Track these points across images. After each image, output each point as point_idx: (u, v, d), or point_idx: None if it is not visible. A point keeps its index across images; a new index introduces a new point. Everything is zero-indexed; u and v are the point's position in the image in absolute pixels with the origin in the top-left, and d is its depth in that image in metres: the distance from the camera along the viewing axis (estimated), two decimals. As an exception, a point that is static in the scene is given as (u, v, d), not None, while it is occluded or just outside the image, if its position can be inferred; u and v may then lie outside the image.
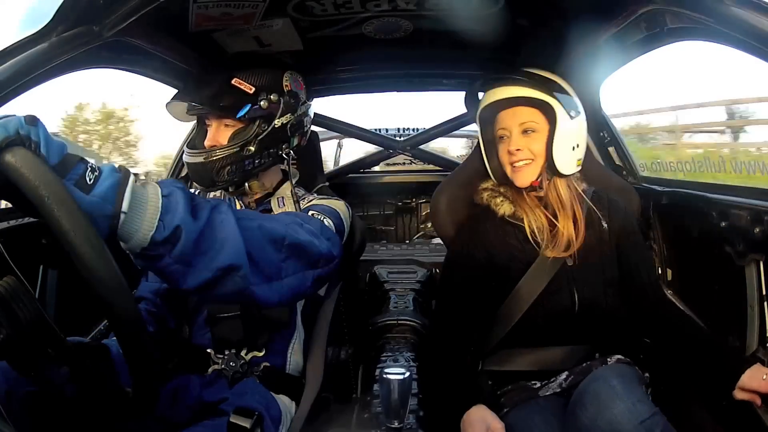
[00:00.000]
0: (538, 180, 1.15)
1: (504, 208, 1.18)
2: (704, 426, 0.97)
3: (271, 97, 1.12)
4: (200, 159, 1.09)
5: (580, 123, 1.15)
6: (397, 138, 2.13)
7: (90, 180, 0.58)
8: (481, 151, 1.23)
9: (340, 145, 3.13)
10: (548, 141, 1.12)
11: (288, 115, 1.15)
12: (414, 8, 1.23)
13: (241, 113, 1.09)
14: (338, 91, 1.94)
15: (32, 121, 0.56)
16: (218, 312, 1.09)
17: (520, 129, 1.13)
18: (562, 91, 1.14)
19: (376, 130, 2.21)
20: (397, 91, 2.01)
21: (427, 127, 2.13)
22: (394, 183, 2.32)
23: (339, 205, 1.15)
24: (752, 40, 0.85)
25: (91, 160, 0.61)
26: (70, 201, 0.54)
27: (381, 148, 2.15)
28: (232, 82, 1.10)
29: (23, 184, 0.52)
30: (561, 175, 1.15)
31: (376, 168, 2.36)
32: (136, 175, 0.64)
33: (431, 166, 2.35)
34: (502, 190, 1.21)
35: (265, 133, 1.11)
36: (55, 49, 0.91)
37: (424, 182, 2.30)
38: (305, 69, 1.24)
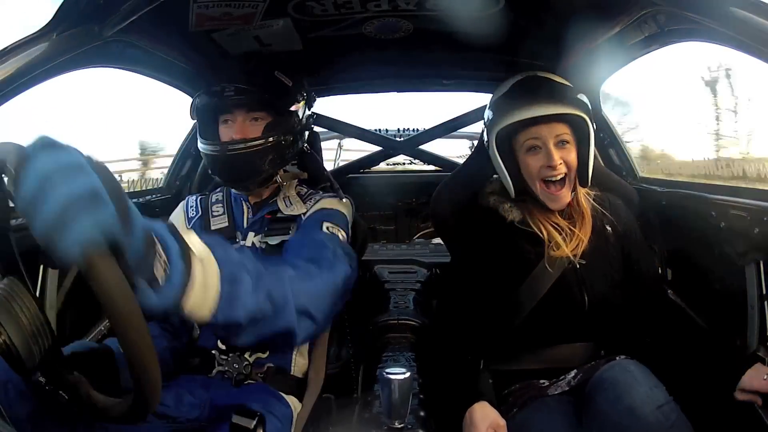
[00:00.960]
0: (572, 198, 1.14)
1: (513, 214, 1.16)
2: (705, 426, 0.97)
3: (303, 92, 1.17)
4: (242, 149, 1.07)
5: None
6: (397, 138, 2.13)
7: (160, 279, 0.53)
8: (498, 164, 1.15)
9: (340, 146, 3.13)
10: (579, 153, 1.11)
11: (308, 111, 1.19)
12: (414, 9, 1.23)
13: (290, 105, 1.12)
14: (338, 91, 1.94)
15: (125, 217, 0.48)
16: None
17: (555, 141, 1.10)
18: (585, 101, 1.12)
19: (376, 130, 2.21)
20: (397, 91, 2.01)
21: (427, 127, 2.13)
22: (394, 183, 2.32)
23: (345, 207, 1.16)
24: (752, 41, 0.86)
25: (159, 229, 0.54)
26: (137, 310, 0.48)
27: (381, 148, 2.15)
28: (275, 74, 1.12)
29: (98, 292, 0.46)
30: (585, 185, 1.15)
31: (376, 168, 2.36)
32: None
33: (431, 166, 2.35)
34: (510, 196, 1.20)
35: (298, 126, 1.15)
36: (56, 48, 0.91)
37: (424, 182, 2.30)
38: (305, 69, 1.24)
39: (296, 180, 1.21)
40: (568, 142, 1.11)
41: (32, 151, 0.47)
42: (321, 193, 1.20)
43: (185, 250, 0.56)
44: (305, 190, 1.21)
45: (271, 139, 1.09)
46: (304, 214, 1.14)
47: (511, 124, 1.11)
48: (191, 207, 1.21)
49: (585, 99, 1.12)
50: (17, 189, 0.47)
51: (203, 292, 0.58)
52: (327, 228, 1.05)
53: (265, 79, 1.11)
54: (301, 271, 0.84)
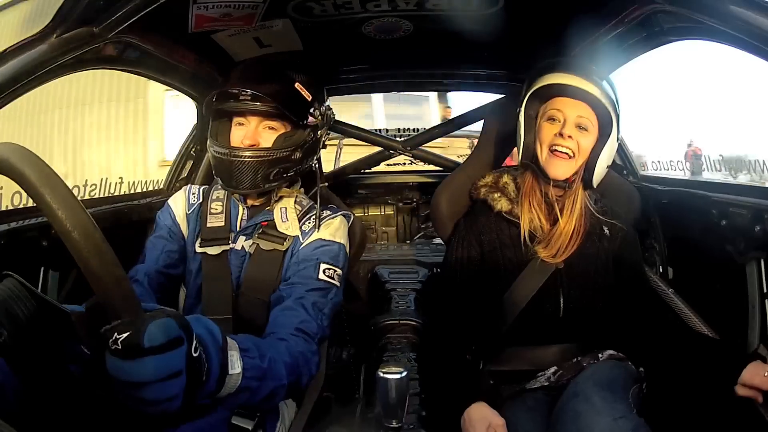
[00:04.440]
0: (572, 178, 1.13)
1: (501, 203, 1.17)
2: (702, 422, 0.97)
3: (321, 108, 1.15)
4: (247, 157, 1.06)
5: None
6: (398, 138, 2.14)
7: (204, 376, 0.66)
8: (519, 126, 1.15)
9: (340, 146, 3.13)
10: (595, 148, 1.11)
11: (324, 128, 1.17)
12: (414, 8, 1.23)
13: (304, 119, 1.10)
14: (338, 91, 1.94)
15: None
16: (210, 315, 1.09)
17: (575, 122, 1.10)
18: (612, 97, 1.12)
19: (376, 130, 2.21)
20: (397, 91, 2.01)
21: (427, 127, 2.14)
22: (394, 183, 2.32)
23: (341, 228, 1.16)
24: (752, 40, 0.86)
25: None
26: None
27: (381, 149, 2.15)
28: (295, 86, 1.11)
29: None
30: (588, 186, 1.14)
31: (377, 168, 2.36)
32: None
33: (431, 166, 2.36)
34: (501, 184, 1.21)
35: (310, 142, 1.13)
36: (56, 50, 0.91)
37: (424, 182, 2.30)
38: (305, 70, 1.23)
39: (295, 193, 1.20)
40: (587, 129, 1.10)
41: None
42: (318, 211, 1.18)
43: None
44: (305, 201, 1.20)
45: (280, 152, 1.07)
46: (302, 234, 1.13)
47: (542, 87, 1.11)
48: (193, 194, 1.22)
49: (612, 95, 1.12)
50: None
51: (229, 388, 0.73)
52: (324, 272, 1.08)
53: (283, 90, 1.10)
54: (292, 357, 0.92)
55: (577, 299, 1.12)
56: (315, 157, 1.19)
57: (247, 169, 1.06)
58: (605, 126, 1.11)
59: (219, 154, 1.09)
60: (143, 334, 0.55)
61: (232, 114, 1.11)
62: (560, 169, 1.11)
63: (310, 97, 1.13)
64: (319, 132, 1.16)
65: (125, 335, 0.54)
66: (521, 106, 1.16)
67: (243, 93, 1.07)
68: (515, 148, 1.24)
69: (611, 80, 1.15)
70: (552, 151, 1.11)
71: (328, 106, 1.20)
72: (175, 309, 1.15)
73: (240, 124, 1.10)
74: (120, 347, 0.54)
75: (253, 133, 1.08)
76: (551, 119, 1.12)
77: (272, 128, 1.10)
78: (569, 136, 1.09)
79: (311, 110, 1.13)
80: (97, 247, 0.52)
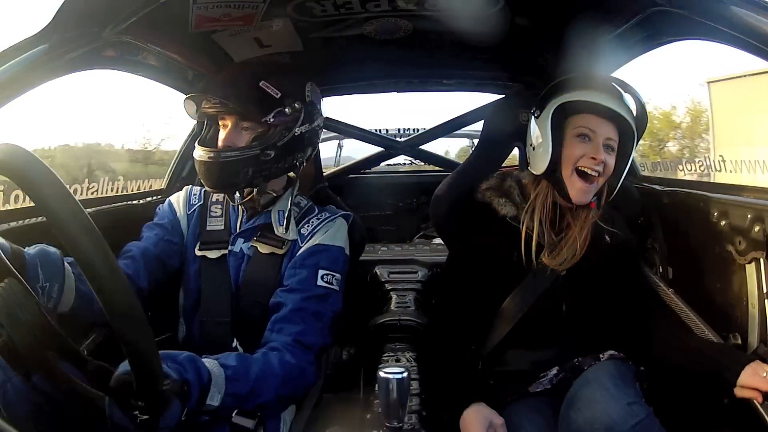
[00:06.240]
0: (593, 201, 1.14)
1: (507, 209, 1.16)
2: (702, 421, 0.97)
3: (295, 104, 1.11)
4: (217, 158, 1.06)
5: None
6: (398, 138, 2.14)
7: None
8: (546, 135, 1.12)
9: (340, 146, 3.14)
10: (617, 167, 1.13)
11: (306, 125, 1.14)
12: (414, 9, 1.23)
13: (267, 117, 1.08)
14: (338, 91, 1.94)
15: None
16: (209, 317, 1.10)
17: (604, 142, 1.11)
18: (643, 128, 1.15)
19: (376, 130, 2.21)
20: (397, 91, 2.01)
21: (428, 127, 2.14)
22: (394, 183, 2.32)
23: (340, 231, 1.16)
24: (752, 39, 0.86)
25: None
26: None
27: (382, 149, 2.16)
28: (260, 84, 1.09)
29: None
30: (611, 195, 1.16)
31: (377, 168, 2.36)
32: None
33: (431, 166, 2.36)
34: (506, 188, 1.20)
35: (285, 140, 1.10)
36: (56, 49, 0.91)
37: (424, 182, 2.30)
38: (305, 70, 1.23)
39: (292, 195, 1.19)
40: (613, 149, 1.12)
41: None
42: (317, 213, 1.19)
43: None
44: (303, 203, 1.20)
45: (244, 152, 1.07)
46: (301, 238, 1.13)
47: (577, 102, 1.11)
48: (194, 195, 1.22)
49: (642, 114, 1.15)
50: None
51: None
52: (323, 277, 1.08)
53: (247, 90, 1.08)
54: (285, 370, 0.96)
55: (579, 304, 1.12)
56: (302, 155, 1.16)
57: (217, 170, 1.07)
58: (626, 140, 1.12)
59: (197, 158, 1.10)
60: (164, 415, 0.69)
61: (213, 117, 1.12)
62: (584, 196, 1.12)
63: (279, 95, 1.09)
64: (297, 129, 1.12)
65: (146, 416, 0.66)
66: (544, 115, 1.14)
67: (212, 99, 1.08)
68: (516, 150, 1.24)
69: (641, 97, 1.15)
70: (579, 172, 1.11)
71: (312, 102, 1.16)
72: (172, 312, 1.16)
73: (224, 126, 1.11)
74: (142, 422, 0.66)
75: (229, 135, 1.09)
76: (581, 136, 1.11)
77: (247, 128, 1.09)
78: (602, 161, 1.09)
79: (282, 107, 1.09)
80: (135, 323, 0.58)
